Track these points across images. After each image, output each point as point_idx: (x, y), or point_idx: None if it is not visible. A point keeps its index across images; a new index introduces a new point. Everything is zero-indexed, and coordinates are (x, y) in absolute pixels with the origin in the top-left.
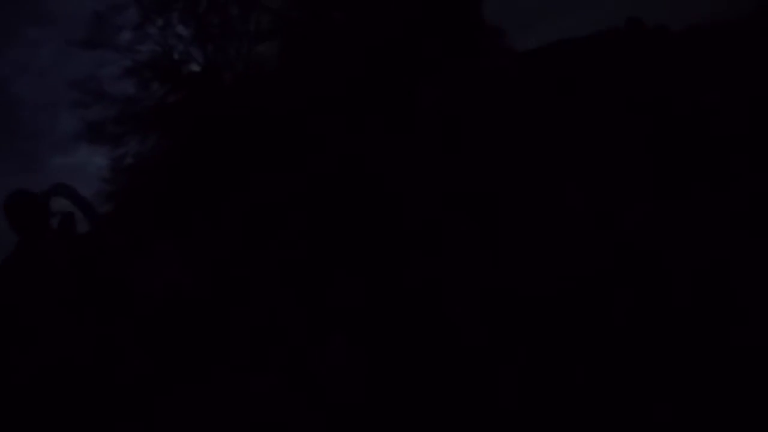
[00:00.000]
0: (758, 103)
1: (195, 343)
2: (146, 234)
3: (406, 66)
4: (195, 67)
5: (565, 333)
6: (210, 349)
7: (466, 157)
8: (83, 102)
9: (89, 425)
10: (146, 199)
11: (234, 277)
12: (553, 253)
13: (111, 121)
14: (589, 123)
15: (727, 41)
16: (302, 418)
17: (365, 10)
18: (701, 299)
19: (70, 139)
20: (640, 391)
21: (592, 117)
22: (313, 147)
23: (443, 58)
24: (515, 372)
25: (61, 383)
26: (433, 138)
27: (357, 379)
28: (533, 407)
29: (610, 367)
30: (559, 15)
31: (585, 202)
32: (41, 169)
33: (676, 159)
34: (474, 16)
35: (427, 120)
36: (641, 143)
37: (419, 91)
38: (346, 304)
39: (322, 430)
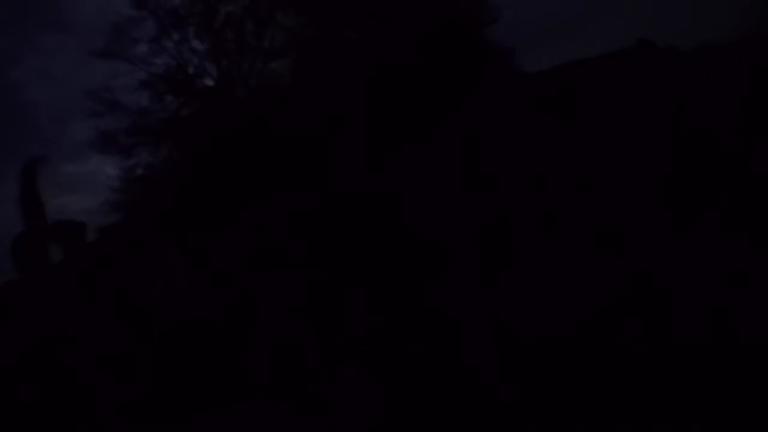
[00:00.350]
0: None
1: (200, 363)
2: (153, 245)
3: (417, 89)
4: (209, 82)
5: (576, 364)
6: (216, 373)
7: (480, 188)
8: (97, 112)
9: None
10: (155, 211)
11: (242, 294)
12: (564, 284)
13: (123, 131)
14: (602, 150)
15: (735, 60)
16: None
17: (378, 31)
18: (708, 332)
19: (82, 147)
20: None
21: (604, 143)
22: (327, 167)
23: (454, 88)
24: (529, 402)
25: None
26: (447, 169)
27: (374, 411)
28: None
29: (620, 397)
30: (571, 33)
31: (596, 232)
32: (52, 176)
33: (687, 185)
34: (481, 38)
35: (442, 151)
36: (652, 170)
37: (435, 123)
38: (361, 332)
39: None
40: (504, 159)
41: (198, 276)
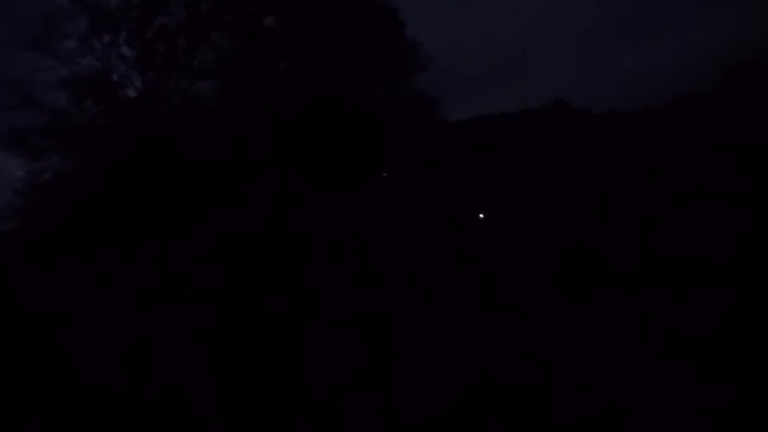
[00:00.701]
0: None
1: (84, 401)
2: (52, 258)
3: (339, 130)
4: (132, 93)
5: None
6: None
7: (366, 275)
8: (11, 104)
9: None
10: (59, 222)
11: (138, 331)
12: (452, 359)
13: (36, 131)
14: (496, 223)
15: (644, 127)
16: None
17: (309, 66)
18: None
19: None
20: None
21: (499, 216)
22: (235, 202)
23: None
24: None
25: None
26: (334, 251)
27: None
28: None
29: None
30: (495, 88)
31: (485, 313)
32: None
33: (584, 263)
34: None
35: (329, 234)
36: (550, 246)
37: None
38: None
39: None
40: (389, 243)
41: (96, 303)
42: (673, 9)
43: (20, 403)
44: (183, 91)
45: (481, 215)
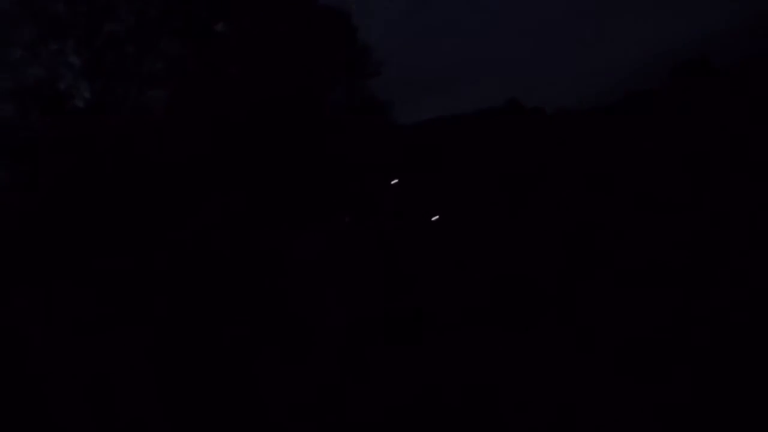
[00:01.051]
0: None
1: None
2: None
3: (294, 140)
4: (80, 103)
5: None
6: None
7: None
8: None
9: None
10: (5, 242)
11: (93, 354)
12: (397, 390)
13: None
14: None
15: (592, 124)
16: None
17: (261, 71)
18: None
19: None
20: None
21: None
22: (194, 219)
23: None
24: None
25: None
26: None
27: None
28: None
29: None
30: (448, 90)
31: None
32: None
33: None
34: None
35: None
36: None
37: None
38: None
39: None
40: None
41: (48, 327)
42: (622, 11)
43: None
44: (133, 100)
45: (435, 218)
